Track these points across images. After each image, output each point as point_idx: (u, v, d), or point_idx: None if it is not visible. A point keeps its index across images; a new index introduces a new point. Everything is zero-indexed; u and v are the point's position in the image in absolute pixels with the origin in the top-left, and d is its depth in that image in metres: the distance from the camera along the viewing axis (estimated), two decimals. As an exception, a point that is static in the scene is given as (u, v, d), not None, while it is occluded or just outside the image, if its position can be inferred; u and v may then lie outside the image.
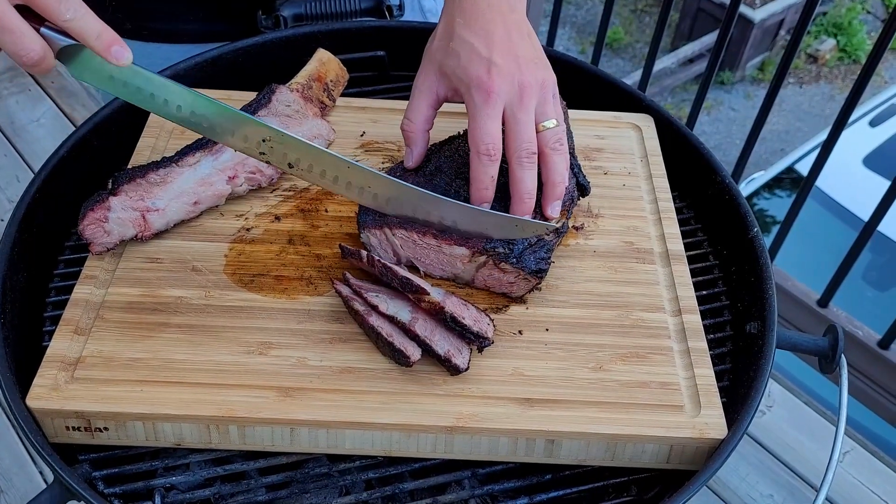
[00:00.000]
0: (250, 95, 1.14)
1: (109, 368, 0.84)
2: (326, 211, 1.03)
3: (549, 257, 0.93)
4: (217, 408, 0.82)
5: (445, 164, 0.99)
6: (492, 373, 0.87)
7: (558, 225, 0.94)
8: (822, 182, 2.35)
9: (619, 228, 1.04)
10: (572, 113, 1.14)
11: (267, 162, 0.90)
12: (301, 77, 1.12)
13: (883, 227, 2.20)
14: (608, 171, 1.12)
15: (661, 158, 1.14)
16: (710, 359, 0.91)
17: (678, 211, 1.11)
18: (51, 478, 0.85)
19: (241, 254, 0.97)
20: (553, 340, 0.91)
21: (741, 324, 1.00)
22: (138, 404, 0.82)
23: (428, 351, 0.84)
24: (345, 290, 0.90)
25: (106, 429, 0.83)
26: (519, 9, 0.96)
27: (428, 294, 0.86)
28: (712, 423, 0.85)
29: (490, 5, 0.94)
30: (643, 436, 0.84)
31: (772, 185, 5.05)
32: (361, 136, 1.14)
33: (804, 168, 4.62)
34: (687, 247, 1.04)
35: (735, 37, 7.51)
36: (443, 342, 0.85)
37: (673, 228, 1.05)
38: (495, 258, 0.91)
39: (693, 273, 1.02)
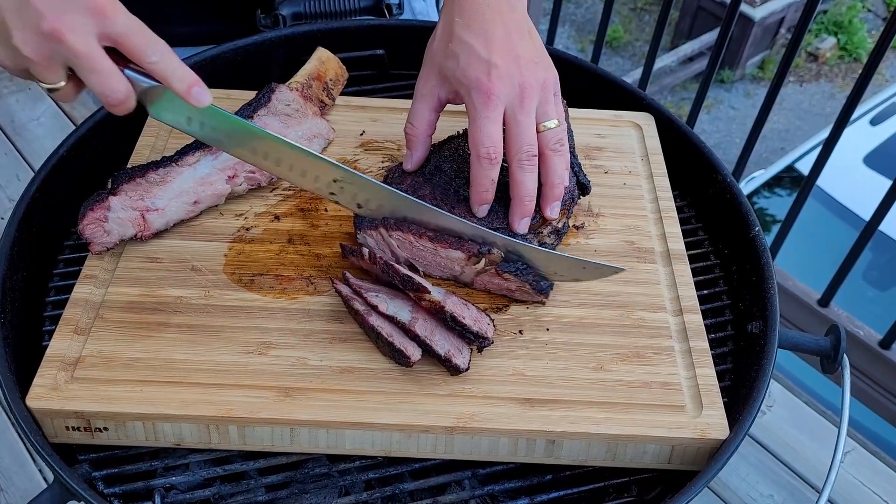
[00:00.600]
0: (249, 94, 1.14)
1: (109, 368, 0.84)
2: (326, 210, 1.03)
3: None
4: (217, 408, 0.82)
5: (445, 164, 0.99)
6: (492, 373, 0.87)
7: (624, 268, 0.94)
8: (822, 181, 2.35)
9: (619, 227, 1.04)
10: (573, 111, 1.14)
11: (336, 202, 0.93)
12: (300, 76, 1.12)
13: (884, 226, 2.20)
14: (609, 170, 1.12)
15: (661, 157, 1.14)
16: (711, 358, 0.91)
17: (679, 210, 1.11)
18: (50, 476, 0.85)
19: (241, 253, 0.97)
20: (553, 340, 0.91)
21: (742, 323, 1.00)
22: (138, 404, 0.81)
23: (428, 351, 0.84)
24: (345, 290, 0.89)
25: (106, 429, 0.83)
26: (519, 7, 0.95)
27: (429, 293, 0.86)
28: (714, 423, 0.84)
29: (489, 5, 0.93)
30: (644, 436, 0.83)
31: (772, 184, 5.05)
32: (361, 135, 1.13)
33: (805, 167, 4.61)
34: (688, 246, 1.04)
35: (735, 35, 7.50)
36: (443, 342, 0.85)
37: (674, 227, 1.05)
38: (498, 267, 0.91)
39: (694, 272, 1.01)
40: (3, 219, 2.16)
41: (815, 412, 1.84)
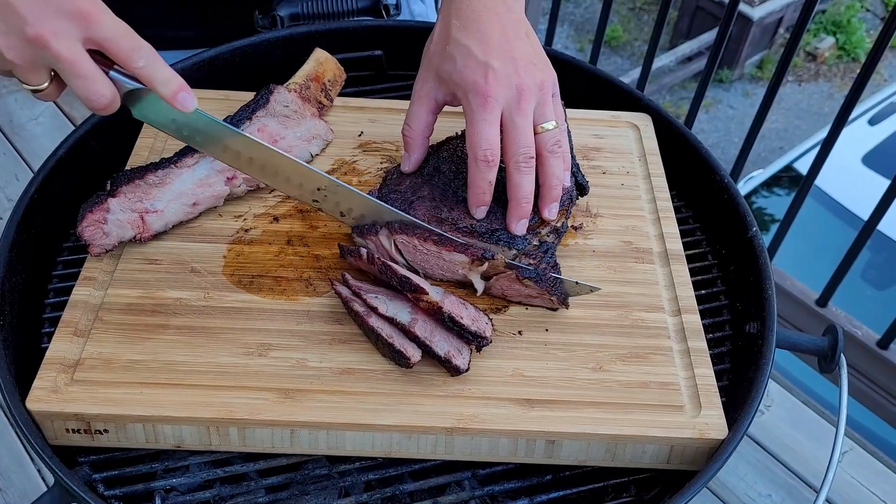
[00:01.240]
0: (248, 95, 1.14)
1: (109, 370, 0.84)
2: (325, 211, 1.03)
3: (555, 261, 0.93)
4: (217, 410, 0.82)
5: (443, 166, 0.99)
6: (492, 373, 0.87)
7: (599, 287, 0.94)
8: (821, 180, 2.35)
9: (617, 228, 1.04)
10: (571, 112, 1.14)
11: (319, 209, 0.94)
12: (299, 77, 1.12)
13: (882, 225, 2.20)
14: (607, 170, 1.12)
15: (659, 158, 1.14)
16: (709, 359, 0.91)
17: (677, 210, 1.11)
18: (50, 477, 0.85)
19: (240, 255, 0.97)
20: (553, 341, 0.91)
21: (740, 323, 1.00)
22: (138, 406, 0.82)
23: (428, 352, 0.84)
24: (344, 292, 0.89)
25: (106, 431, 0.83)
26: (516, 8, 0.95)
27: (427, 293, 0.86)
28: (712, 423, 0.85)
29: (486, 6, 0.93)
30: (643, 436, 0.84)
31: (770, 184, 5.05)
32: (359, 135, 1.14)
33: (803, 166, 4.61)
34: (686, 246, 1.04)
35: (734, 35, 7.50)
36: (443, 343, 0.85)
37: (672, 228, 1.05)
38: (519, 273, 0.91)
39: (692, 272, 1.02)
40: (1, 219, 2.16)
41: (813, 412, 1.84)
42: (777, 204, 4.92)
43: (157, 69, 0.80)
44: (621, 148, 1.15)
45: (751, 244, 1.03)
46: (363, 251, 0.91)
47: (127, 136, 1.09)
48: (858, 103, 2.00)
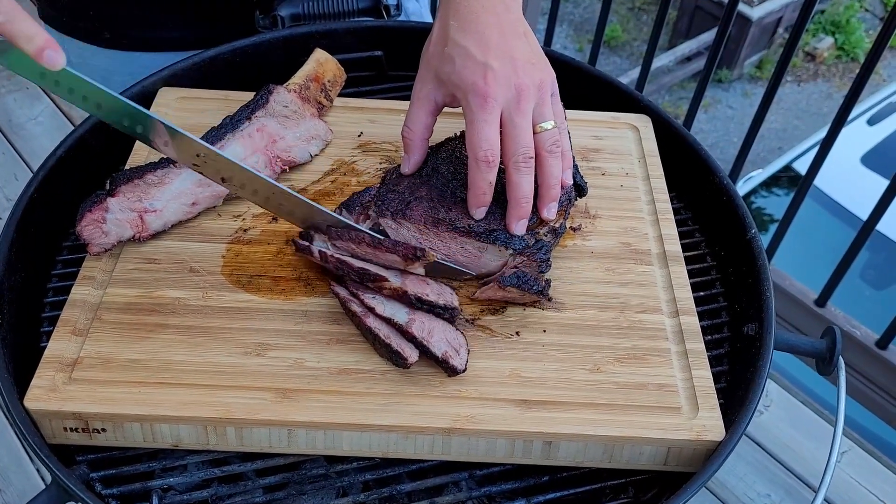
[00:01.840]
0: (248, 95, 1.14)
1: (107, 369, 0.84)
2: (324, 211, 1.03)
3: (549, 259, 0.93)
4: (214, 409, 0.82)
5: (443, 166, 0.99)
6: (489, 374, 0.87)
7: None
8: (820, 181, 2.35)
9: (616, 229, 1.04)
10: (570, 113, 1.14)
11: (200, 173, 0.90)
12: (298, 77, 1.12)
13: (881, 225, 2.20)
14: (606, 171, 1.12)
15: (658, 159, 1.14)
16: (707, 360, 0.91)
17: (676, 211, 1.11)
18: (48, 476, 0.85)
19: (239, 255, 0.97)
20: (550, 342, 0.91)
21: (739, 325, 1.00)
22: (136, 406, 0.82)
23: (425, 352, 0.84)
24: (342, 292, 0.90)
25: (104, 430, 0.83)
26: (514, 8, 0.95)
27: (387, 280, 0.86)
28: (710, 425, 0.85)
29: (484, 7, 0.93)
30: (640, 438, 0.84)
31: (769, 184, 5.05)
32: (359, 136, 1.14)
33: (802, 166, 4.61)
34: (684, 248, 1.04)
35: (733, 35, 7.52)
36: (440, 343, 0.85)
37: (670, 229, 1.05)
38: (499, 282, 0.91)
39: (691, 274, 1.02)
40: (1, 219, 2.16)
41: (812, 412, 1.85)
42: (776, 204, 4.92)
43: (18, 25, 0.75)
44: (621, 149, 1.15)
45: (749, 246, 1.03)
46: (314, 249, 0.90)
47: (126, 136, 1.09)
48: (857, 103, 2.00)
